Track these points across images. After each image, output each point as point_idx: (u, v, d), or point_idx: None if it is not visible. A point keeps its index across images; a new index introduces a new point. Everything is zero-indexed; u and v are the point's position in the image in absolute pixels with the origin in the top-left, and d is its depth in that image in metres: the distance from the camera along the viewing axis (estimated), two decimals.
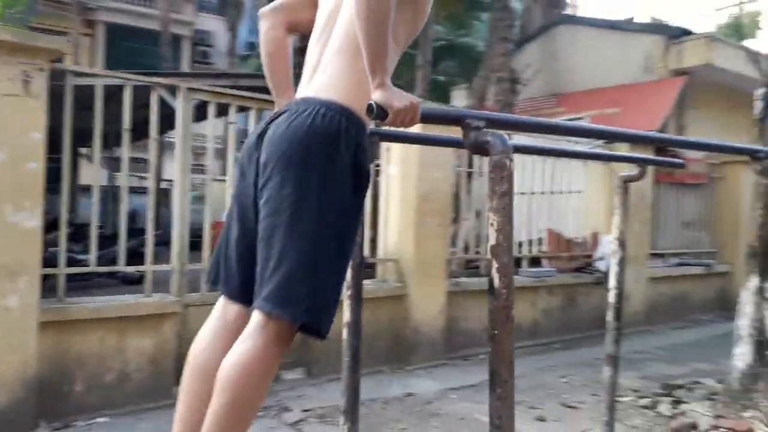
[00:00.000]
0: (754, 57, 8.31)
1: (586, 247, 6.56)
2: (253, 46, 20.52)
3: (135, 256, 6.18)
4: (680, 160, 2.82)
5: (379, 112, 1.31)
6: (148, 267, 3.68)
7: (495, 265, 1.25)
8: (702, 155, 7.97)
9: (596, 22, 10.94)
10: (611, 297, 2.52)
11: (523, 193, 6.11)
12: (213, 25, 21.91)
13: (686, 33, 9.58)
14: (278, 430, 3.23)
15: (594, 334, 6.16)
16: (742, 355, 3.53)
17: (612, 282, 2.51)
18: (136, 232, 5.36)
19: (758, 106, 3.97)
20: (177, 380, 3.58)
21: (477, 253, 5.65)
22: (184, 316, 3.77)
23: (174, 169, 3.89)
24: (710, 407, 3.51)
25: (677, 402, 3.70)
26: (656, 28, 10.82)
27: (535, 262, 6.27)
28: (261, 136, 1.56)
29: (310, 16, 1.77)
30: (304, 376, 4.22)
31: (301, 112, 1.50)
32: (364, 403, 2.98)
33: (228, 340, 1.52)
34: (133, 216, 14.66)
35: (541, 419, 3.56)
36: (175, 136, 3.86)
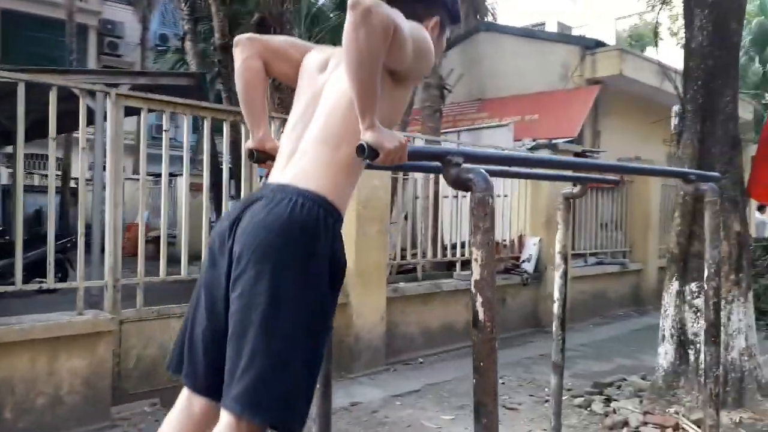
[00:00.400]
0: (664, 71, 8.93)
1: (513, 249, 6.81)
2: (165, 39, 19.80)
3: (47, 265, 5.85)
4: (617, 178, 3.01)
5: (370, 153, 1.33)
6: (80, 283, 3.50)
7: (479, 299, 1.30)
8: (616, 158, 8.47)
9: (516, 31, 11.36)
10: (555, 308, 2.64)
11: (455, 197, 6.27)
12: (122, 15, 20.88)
13: (600, 44, 10.15)
14: None
15: (523, 332, 6.43)
16: (665, 354, 3.79)
17: (556, 294, 2.63)
18: (41, 239, 4.70)
19: (674, 121, 4.27)
20: (114, 401, 3.47)
21: (413, 256, 5.74)
22: (120, 333, 3.62)
23: (106, 177, 3.72)
24: (638, 404, 3.76)
25: (608, 400, 3.93)
26: (572, 38, 11.38)
27: (466, 264, 6.45)
28: (234, 222, 1.51)
29: (283, 69, 1.74)
30: None
31: (279, 201, 1.46)
32: (311, 416, 2.98)
33: None
34: (39, 216, 13.78)
35: None
36: (106, 141, 3.69)
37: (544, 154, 6.73)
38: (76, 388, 3.33)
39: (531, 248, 6.57)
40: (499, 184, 6.61)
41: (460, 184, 1.34)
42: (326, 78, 1.65)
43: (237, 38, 1.71)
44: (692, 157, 3.77)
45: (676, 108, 4.20)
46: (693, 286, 3.69)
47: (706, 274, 2.25)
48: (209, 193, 4.32)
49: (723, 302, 3.55)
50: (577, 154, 7.40)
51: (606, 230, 8.45)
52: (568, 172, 3.56)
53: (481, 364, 1.31)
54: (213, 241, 1.55)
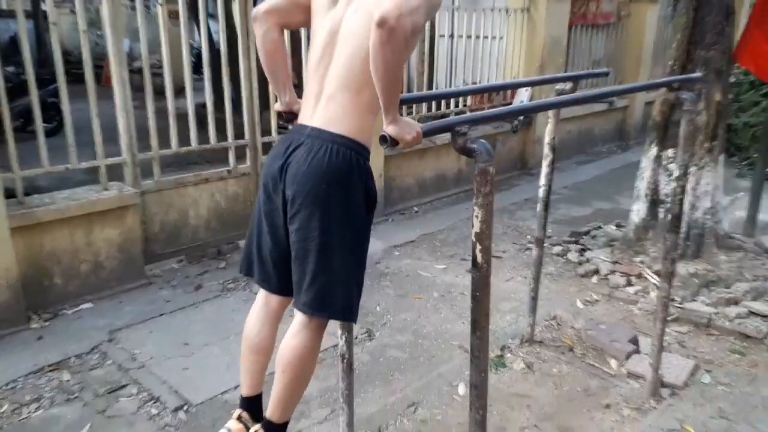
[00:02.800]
0: None
1: (506, 96, 6.93)
2: None
3: (46, 109, 5.79)
4: (606, 70, 3.13)
5: (392, 143, 1.57)
6: (101, 161, 3.74)
7: (478, 247, 1.61)
8: None
9: None
10: (540, 192, 2.96)
11: (451, 36, 6.24)
12: None
13: None
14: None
15: (510, 175, 6.85)
16: (637, 211, 4.21)
17: (542, 181, 2.93)
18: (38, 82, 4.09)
19: None
20: (147, 261, 3.91)
21: (408, 111, 5.91)
22: (143, 203, 3.95)
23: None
24: (609, 254, 4.27)
25: (583, 249, 4.44)
26: None
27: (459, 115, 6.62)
28: (283, 167, 1.79)
29: (300, 19, 1.87)
30: None
31: (317, 149, 1.73)
32: None
33: (274, 324, 2.00)
34: (15, 45, 13.20)
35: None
36: None
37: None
38: (112, 254, 3.75)
39: (523, 95, 6.70)
40: (496, 25, 6.54)
41: (467, 152, 1.57)
42: (341, 14, 1.78)
43: (254, 12, 1.84)
44: (686, 26, 3.84)
45: None
46: (669, 152, 4.00)
47: (674, 174, 2.53)
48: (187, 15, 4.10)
49: (695, 168, 3.89)
50: None
51: (598, 67, 8.49)
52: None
53: (477, 294, 1.66)
54: (267, 180, 1.86)
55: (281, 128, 4.42)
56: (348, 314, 1.87)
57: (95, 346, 3.17)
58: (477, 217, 1.59)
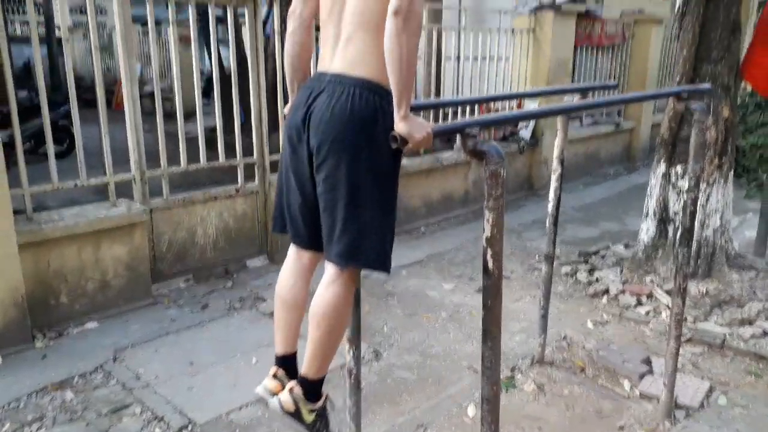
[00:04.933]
0: None
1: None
2: None
3: (57, 131, 5.86)
4: (614, 83, 3.13)
5: (402, 142, 1.55)
6: (110, 178, 3.75)
7: (489, 252, 1.58)
8: (618, 13, 8.29)
9: None
10: (550, 208, 2.94)
11: (457, 58, 6.28)
12: None
13: None
14: (260, 322, 3.64)
15: (517, 196, 6.82)
16: (647, 230, 4.17)
17: (551, 195, 2.91)
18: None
19: (678, 2, 4.26)
20: (154, 280, 3.89)
21: None
22: (152, 221, 3.95)
23: (116, 24, 3.68)
24: (619, 274, 4.22)
25: (593, 269, 4.40)
26: None
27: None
28: (306, 115, 1.76)
29: None
30: (267, 262, 4.59)
31: (339, 95, 1.70)
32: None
33: (306, 278, 1.97)
34: (29, 70, 13.38)
35: (481, 291, 4.16)
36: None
37: (550, 16, 6.61)
38: (120, 272, 3.74)
39: (530, 108, 6.69)
40: (502, 45, 6.57)
41: (477, 154, 1.55)
42: None
43: (290, 11, 1.91)
44: (692, 42, 3.85)
45: None
46: (678, 168, 3.98)
47: (685, 186, 2.51)
48: (197, 40, 4.15)
49: (704, 185, 3.86)
50: (580, 15, 7.25)
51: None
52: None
53: (489, 301, 1.63)
54: (291, 132, 1.83)
55: None
56: (381, 262, 1.82)
57: (100, 366, 3.14)
58: (488, 221, 1.57)
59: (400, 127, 1.59)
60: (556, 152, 2.88)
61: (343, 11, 1.75)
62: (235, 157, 4.36)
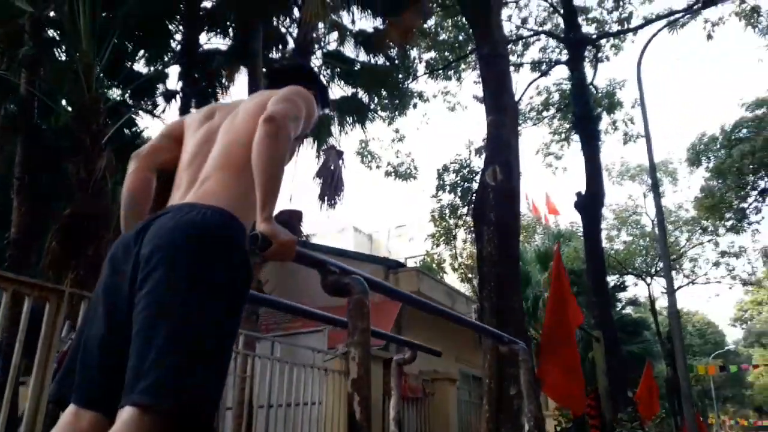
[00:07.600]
0: (451, 291, 10.16)
1: None
2: None
3: None
4: (438, 350, 3.24)
5: (263, 243, 1.40)
6: None
7: (356, 398, 1.33)
8: (417, 371, 8.90)
9: (329, 249, 12.24)
10: None
11: (261, 407, 5.92)
12: None
13: (401, 265, 11.31)
14: None
15: None
16: None
17: None
18: None
19: (474, 316, 4.82)
20: None
21: None
22: None
23: None
24: None
25: None
26: (377, 259, 12.54)
27: None
28: (141, 231, 1.52)
29: (174, 155, 1.84)
30: None
31: (188, 211, 1.52)
32: None
33: None
34: None
35: None
36: None
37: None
38: None
39: None
40: (314, 390, 6.43)
41: (339, 289, 1.44)
42: (218, 122, 1.78)
43: (134, 154, 1.83)
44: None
45: (475, 306, 4.77)
46: None
47: (526, 428, 2.45)
48: None
49: None
50: (386, 361, 7.67)
51: None
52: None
53: None
54: (116, 251, 1.53)
55: None
56: (198, 406, 1.34)
57: None
58: (353, 358, 1.37)
59: (263, 227, 1.46)
60: (392, 414, 2.71)
61: (206, 159, 1.71)
62: None
